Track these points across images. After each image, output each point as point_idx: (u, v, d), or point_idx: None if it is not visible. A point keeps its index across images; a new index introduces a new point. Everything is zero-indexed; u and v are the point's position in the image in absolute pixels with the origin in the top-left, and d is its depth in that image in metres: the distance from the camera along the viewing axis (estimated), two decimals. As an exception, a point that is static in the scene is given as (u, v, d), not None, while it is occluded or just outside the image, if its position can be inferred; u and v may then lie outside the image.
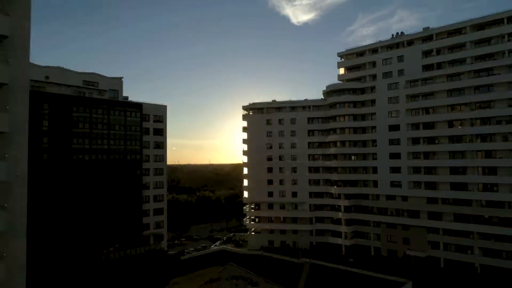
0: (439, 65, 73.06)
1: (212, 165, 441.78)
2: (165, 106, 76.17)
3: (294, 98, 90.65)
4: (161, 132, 74.76)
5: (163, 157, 75.25)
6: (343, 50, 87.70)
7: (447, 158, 70.32)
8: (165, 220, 75.22)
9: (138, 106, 69.79)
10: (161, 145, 74.97)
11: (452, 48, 72.35)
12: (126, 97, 71.56)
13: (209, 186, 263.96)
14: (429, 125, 73.05)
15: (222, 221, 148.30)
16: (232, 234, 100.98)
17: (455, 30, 72.01)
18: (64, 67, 63.02)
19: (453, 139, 69.97)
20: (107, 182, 64.35)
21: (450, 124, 70.49)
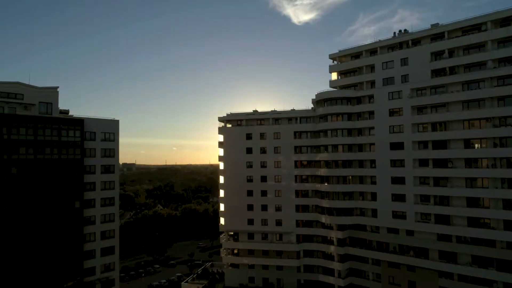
0: (452, 70, 59.20)
1: (212, 165, 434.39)
2: (117, 121, 62.66)
3: (293, 104, 77.21)
4: (111, 153, 61.22)
5: (114, 184, 61.73)
6: (336, 51, 73.89)
7: (463, 185, 56.42)
8: (116, 262, 61.58)
9: (79, 122, 56.29)
10: (112, 168, 61.45)
11: (468, 49, 58.41)
12: (66, 111, 58.14)
13: (204, 191, 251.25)
14: (440, 144, 59.14)
15: (207, 238, 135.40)
16: (210, 263, 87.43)
17: (472, 27, 58.04)
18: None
19: (471, 162, 56.07)
20: (34, 219, 50.91)
21: (467, 143, 56.57)
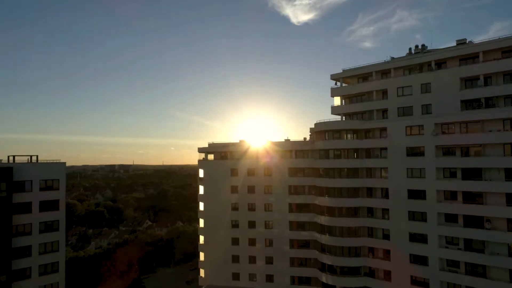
0: (489, 102, 46.25)
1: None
2: (62, 164, 49.68)
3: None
4: (55, 205, 48.16)
5: (57, 245, 48.53)
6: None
7: (505, 252, 43.56)
8: None
9: (5, 172, 43.19)
10: (56, 225, 48.36)
11: (511, 75, 45.44)
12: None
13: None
14: (473, 196, 46.25)
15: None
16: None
17: (517, 47, 45.01)
18: None
19: (516, 224, 43.19)
20: None
21: (510, 198, 43.64)
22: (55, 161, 49.32)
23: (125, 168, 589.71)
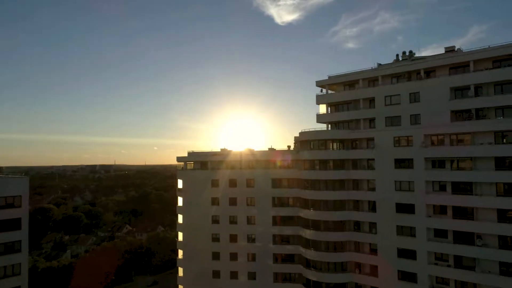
0: (479, 112, 44.46)
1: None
2: (25, 179, 45.24)
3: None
4: (16, 224, 43.73)
5: (19, 268, 43.97)
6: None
7: (496, 271, 41.84)
8: None
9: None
10: (17, 246, 43.78)
11: (502, 85, 43.72)
12: None
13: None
14: (463, 212, 44.46)
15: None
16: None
17: (509, 56, 43.28)
18: None
19: (506, 240, 41.50)
20: None
21: (502, 215, 41.92)
22: (16, 176, 44.95)
23: (106, 168, 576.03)
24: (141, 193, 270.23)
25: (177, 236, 63.83)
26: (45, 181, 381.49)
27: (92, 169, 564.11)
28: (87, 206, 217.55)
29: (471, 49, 46.29)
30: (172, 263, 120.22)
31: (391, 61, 55.88)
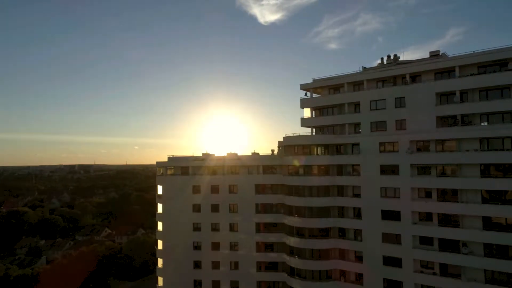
0: (464, 118, 43.99)
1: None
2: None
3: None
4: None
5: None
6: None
7: (481, 279, 41.41)
8: None
9: None
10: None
11: (487, 91, 43.33)
12: None
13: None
14: (449, 219, 43.92)
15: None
16: None
17: (494, 62, 42.91)
18: None
19: (491, 248, 41.13)
20: None
21: (487, 221, 41.53)
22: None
23: (85, 168, 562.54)
24: (122, 194, 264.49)
25: (156, 244, 61.23)
26: (20, 182, 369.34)
27: (71, 169, 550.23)
28: (65, 208, 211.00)
29: (456, 54, 45.91)
30: (153, 267, 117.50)
31: (373, 62, 56.45)
